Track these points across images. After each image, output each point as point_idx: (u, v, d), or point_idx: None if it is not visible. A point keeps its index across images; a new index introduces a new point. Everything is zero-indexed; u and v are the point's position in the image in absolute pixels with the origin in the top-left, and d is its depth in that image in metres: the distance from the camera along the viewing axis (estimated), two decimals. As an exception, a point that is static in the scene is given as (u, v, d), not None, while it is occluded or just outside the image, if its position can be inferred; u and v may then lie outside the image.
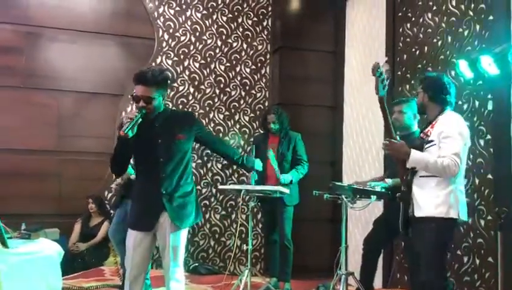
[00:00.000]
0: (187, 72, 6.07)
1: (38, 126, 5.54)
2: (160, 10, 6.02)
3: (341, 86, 6.04)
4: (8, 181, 5.33)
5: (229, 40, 6.23)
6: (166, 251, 2.95)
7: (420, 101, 3.12)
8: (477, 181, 3.84)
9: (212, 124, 6.09)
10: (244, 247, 4.16)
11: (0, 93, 5.44)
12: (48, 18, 5.63)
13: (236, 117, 6.18)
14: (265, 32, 6.36)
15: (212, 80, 6.14)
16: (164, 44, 6.01)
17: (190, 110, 5.98)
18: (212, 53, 6.16)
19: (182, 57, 6.06)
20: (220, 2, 6.21)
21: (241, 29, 6.28)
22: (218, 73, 6.16)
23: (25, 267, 3.10)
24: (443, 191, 2.82)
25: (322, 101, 6.15)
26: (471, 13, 4.11)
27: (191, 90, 6.06)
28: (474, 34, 4.06)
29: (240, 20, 6.28)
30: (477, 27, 4.03)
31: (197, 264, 5.73)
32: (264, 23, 6.37)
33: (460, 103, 3.97)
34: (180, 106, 5.99)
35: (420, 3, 4.77)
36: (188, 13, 6.12)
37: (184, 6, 6.10)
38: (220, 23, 6.21)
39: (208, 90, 6.11)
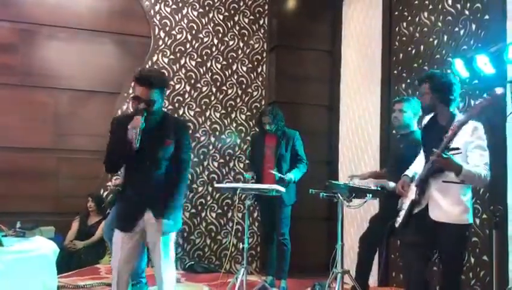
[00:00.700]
0: (183, 70, 6.06)
1: (35, 124, 5.52)
2: (157, 8, 6.01)
3: (337, 85, 6.05)
4: (5, 179, 5.31)
5: (226, 39, 6.22)
6: (157, 247, 2.98)
7: (427, 102, 3.04)
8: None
9: (209, 123, 6.08)
10: (240, 245, 4.16)
11: (-4, 91, 5.43)
12: (44, 16, 5.62)
13: (233, 115, 6.18)
14: (262, 31, 6.36)
15: (208, 78, 6.13)
16: (160, 42, 6.00)
17: (186, 108, 5.98)
18: (209, 51, 6.15)
19: (178, 55, 6.05)
20: (216, 0, 6.20)
21: (237, 28, 6.27)
22: (214, 71, 6.16)
23: (20, 266, 3.09)
24: (465, 197, 2.89)
25: (318, 100, 6.16)
26: (467, 12, 4.13)
27: (187, 88, 6.05)
28: (470, 33, 4.07)
29: (236, 18, 6.27)
30: (473, 26, 4.04)
31: (193, 262, 5.73)
32: (261, 22, 6.37)
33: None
34: (176, 104, 5.98)
35: (416, 2, 4.78)
36: (185, 11, 6.11)
37: (180, 4, 6.09)
38: (216, 22, 6.20)
39: (204, 89, 6.10)
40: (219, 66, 6.18)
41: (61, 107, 5.65)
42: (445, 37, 4.35)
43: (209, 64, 6.14)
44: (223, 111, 6.15)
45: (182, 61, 6.07)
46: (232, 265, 5.85)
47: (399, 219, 3.06)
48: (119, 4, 5.89)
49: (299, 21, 6.16)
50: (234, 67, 6.23)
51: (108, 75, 5.80)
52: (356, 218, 5.34)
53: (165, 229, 2.95)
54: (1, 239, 3.07)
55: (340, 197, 3.67)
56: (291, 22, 6.18)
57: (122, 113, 5.52)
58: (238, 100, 6.22)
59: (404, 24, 4.94)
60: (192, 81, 6.06)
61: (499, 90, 2.76)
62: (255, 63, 6.30)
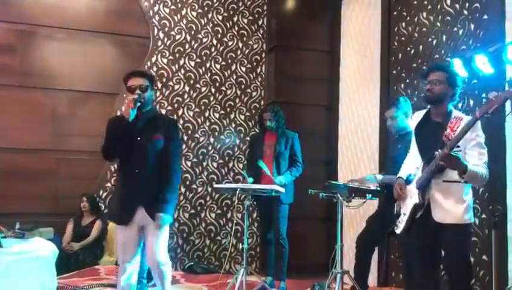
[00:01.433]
0: (182, 71, 6.06)
1: (33, 125, 5.51)
2: (156, 9, 6.01)
3: (336, 85, 6.05)
4: (3, 180, 5.30)
5: (225, 39, 6.22)
6: (153, 239, 3.15)
7: (438, 92, 2.91)
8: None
9: (208, 123, 6.08)
10: (240, 246, 4.15)
11: (-5, 92, 5.42)
12: (42, 16, 5.61)
13: (232, 116, 6.18)
14: (261, 31, 6.36)
15: (207, 79, 6.13)
16: (159, 43, 6.00)
17: (185, 109, 5.98)
18: (208, 52, 6.15)
19: (177, 55, 6.05)
20: (215, 1, 6.20)
21: (236, 28, 6.27)
22: (213, 72, 6.16)
23: (19, 267, 3.09)
24: (468, 196, 2.84)
25: (317, 100, 6.16)
26: (465, 12, 4.13)
27: (186, 88, 6.05)
28: (468, 33, 4.08)
29: (235, 19, 6.27)
30: (472, 26, 4.04)
31: (192, 263, 5.73)
32: (260, 22, 6.37)
33: (454, 101, 3.99)
34: (176, 105, 5.98)
35: (415, 2, 4.78)
36: (183, 12, 6.10)
37: (179, 5, 6.09)
38: (215, 22, 6.20)
39: (203, 89, 6.10)
40: (218, 66, 6.18)
41: (59, 108, 5.65)
42: (444, 37, 4.36)
43: (208, 65, 6.14)
44: (222, 111, 6.15)
45: (181, 62, 6.07)
46: (231, 266, 5.85)
47: (400, 225, 2.99)
48: (118, 5, 5.89)
49: (298, 21, 6.17)
50: (233, 68, 6.23)
51: (107, 76, 5.79)
52: (355, 218, 5.34)
53: (160, 223, 3.11)
54: (0, 240, 3.06)
55: (340, 198, 3.67)
56: (290, 22, 6.18)
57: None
58: (237, 100, 6.21)
59: (403, 24, 4.95)
60: (191, 82, 6.05)
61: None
62: (254, 63, 6.30)
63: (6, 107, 5.43)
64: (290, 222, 4.68)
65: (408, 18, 4.88)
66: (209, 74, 6.14)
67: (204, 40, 6.15)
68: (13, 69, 5.50)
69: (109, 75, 5.80)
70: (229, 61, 6.22)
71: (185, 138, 5.95)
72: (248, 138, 5.93)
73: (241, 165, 6.06)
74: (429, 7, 4.58)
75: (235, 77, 6.22)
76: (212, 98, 6.13)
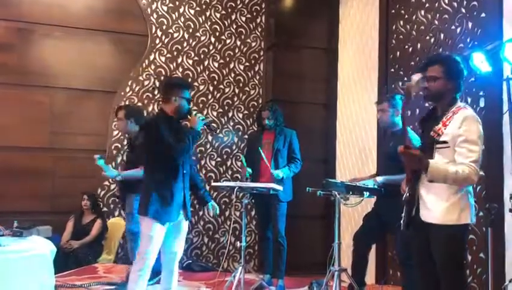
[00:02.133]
0: (180, 69, 6.05)
1: (31, 123, 5.51)
2: (154, 7, 6.00)
3: (334, 83, 6.05)
4: (1, 178, 5.30)
5: (223, 37, 6.22)
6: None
7: (439, 88, 2.69)
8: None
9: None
10: (238, 244, 4.15)
11: (-7, 90, 5.41)
12: (40, 14, 5.60)
13: (230, 114, 6.18)
14: (259, 29, 6.35)
15: (205, 77, 6.13)
16: (157, 41, 5.99)
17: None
18: (206, 50, 6.15)
19: (175, 53, 6.05)
20: (213, -1, 6.20)
21: (234, 26, 6.27)
22: (211, 70, 6.16)
23: (17, 265, 3.09)
24: (455, 196, 2.57)
25: (315, 99, 6.16)
26: (463, 10, 4.13)
27: (185, 87, 6.04)
28: (466, 31, 4.08)
29: (233, 17, 6.27)
30: (470, 24, 4.05)
31: (190, 261, 5.74)
32: (258, 20, 6.36)
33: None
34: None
35: (413, 0, 4.78)
36: (181, 10, 6.10)
37: (177, 3, 6.08)
38: (213, 20, 6.20)
39: (201, 87, 6.10)
40: (216, 64, 6.17)
41: (57, 106, 5.64)
42: (442, 35, 4.36)
43: (206, 63, 6.14)
44: (220, 110, 6.15)
45: (179, 60, 6.06)
46: (229, 264, 5.86)
47: (402, 222, 2.82)
48: (116, 3, 5.89)
49: (296, 19, 6.16)
50: (231, 66, 6.23)
51: (105, 74, 5.79)
52: (354, 216, 5.35)
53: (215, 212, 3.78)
54: (-2, 239, 3.06)
55: (337, 196, 3.68)
56: (288, 20, 6.18)
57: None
58: (236, 99, 6.21)
59: (401, 22, 4.95)
60: (190, 80, 6.04)
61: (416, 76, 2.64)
62: (252, 61, 6.30)
63: (5, 106, 5.43)
64: (288, 220, 4.69)
65: (406, 16, 4.89)
66: (207, 72, 6.14)
67: (202, 38, 6.14)
68: (11, 67, 5.50)
69: (107, 73, 5.80)
70: (227, 59, 6.21)
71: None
72: (246, 136, 5.94)
73: (239, 164, 6.06)
74: (427, 5, 4.58)
75: (233, 75, 6.22)
76: (210, 96, 6.12)
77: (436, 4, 4.44)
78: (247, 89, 6.26)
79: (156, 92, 5.87)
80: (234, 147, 6.14)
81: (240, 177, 4.69)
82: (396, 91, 4.85)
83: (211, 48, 6.16)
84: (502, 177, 3.57)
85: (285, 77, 6.08)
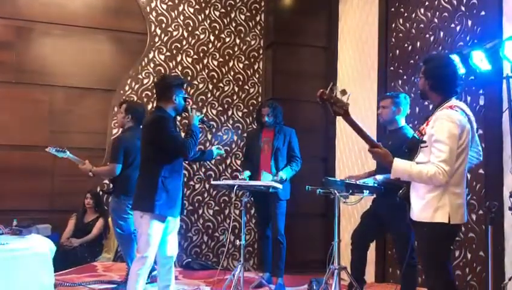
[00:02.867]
0: (180, 67, 6.05)
1: (30, 122, 5.50)
2: (153, 5, 5.99)
3: (334, 81, 6.04)
4: (0, 177, 5.29)
5: (222, 35, 6.21)
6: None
7: (421, 88, 2.80)
8: (468, 176, 3.84)
9: (205, 120, 6.06)
10: (238, 242, 4.15)
11: (-9, 88, 5.41)
12: (39, 13, 5.59)
13: (230, 112, 6.17)
14: (258, 28, 6.35)
15: (205, 75, 6.12)
16: (157, 39, 5.98)
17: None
18: (205, 48, 6.14)
19: (174, 52, 6.04)
20: (212, -3, 6.19)
21: (234, 24, 6.26)
22: (211, 68, 6.15)
23: (17, 263, 3.09)
24: (430, 194, 2.60)
25: (314, 97, 6.07)
26: (463, 8, 4.13)
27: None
28: (466, 30, 4.08)
29: (232, 15, 6.26)
30: (469, 22, 4.05)
31: (190, 259, 5.73)
32: (257, 18, 6.36)
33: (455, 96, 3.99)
34: (173, 102, 5.96)
35: (413, -2, 4.78)
36: (181, 8, 6.09)
37: (176, 1, 6.07)
38: (212, 18, 6.19)
39: (200, 86, 6.09)
40: (215, 63, 6.17)
41: (56, 105, 5.63)
42: (442, 33, 4.36)
43: (205, 61, 6.13)
44: (220, 108, 6.14)
45: (178, 58, 6.05)
46: (229, 262, 5.86)
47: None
48: (115, 1, 5.88)
49: (296, 18, 6.15)
50: (231, 64, 6.22)
51: (104, 72, 5.78)
52: (353, 214, 5.35)
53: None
54: (-3, 237, 3.06)
55: (337, 194, 3.67)
56: (287, 18, 6.17)
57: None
58: (235, 97, 6.21)
59: (401, 20, 4.94)
60: (189, 78, 6.04)
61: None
62: (252, 59, 6.29)
63: (3, 104, 5.42)
64: (287, 219, 4.69)
65: (405, 14, 4.88)
66: (206, 71, 6.13)
67: (202, 36, 6.14)
68: (10, 65, 5.49)
69: (106, 72, 5.80)
70: (227, 57, 6.20)
71: (183, 134, 5.94)
72: (246, 135, 5.93)
73: (238, 162, 6.06)
74: (426, 3, 4.58)
75: (232, 74, 6.22)
76: (209, 95, 6.12)
77: (436, 2, 4.44)
78: (246, 87, 6.26)
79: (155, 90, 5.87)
80: (234, 146, 6.14)
81: (239, 175, 4.68)
82: (396, 89, 4.85)
83: (210, 46, 6.16)
84: (502, 175, 3.57)
85: (284, 75, 6.07)
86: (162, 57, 5.99)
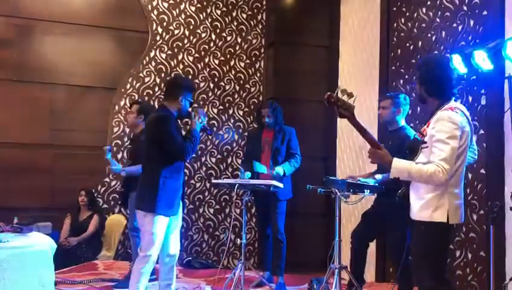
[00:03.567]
0: (181, 66, 6.04)
1: (31, 120, 5.50)
2: (154, 3, 5.98)
3: (335, 81, 6.04)
4: (1, 175, 5.29)
5: (223, 34, 6.20)
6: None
7: (418, 93, 2.84)
8: (470, 176, 3.86)
9: (206, 118, 6.05)
10: (238, 241, 4.15)
11: (-8, 86, 5.40)
12: (40, 10, 5.59)
13: (231, 111, 6.17)
14: (260, 26, 6.34)
15: (206, 74, 6.12)
16: (158, 37, 5.98)
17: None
18: (206, 47, 6.13)
19: (175, 50, 6.03)
20: (214, -4, 6.19)
21: (235, 23, 6.25)
22: (212, 67, 6.14)
23: (17, 261, 3.08)
24: (429, 194, 2.62)
25: (316, 96, 6.13)
26: (465, 8, 4.12)
27: (185, 84, 6.03)
28: (468, 29, 4.07)
29: (234, 13, 6.26)
30: (471, 22, 4.04)
31: (190, 258, 5.73)
32: (259, 17, 6.35)
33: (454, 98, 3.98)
34: (174, 100, 5.96)
35: (414, -3, 4.77)
36: (182, 6, 6.08)
37: (178, 0, 6.07)
38: (214, 17, 6.18)
39: (202, 84, 6.09)
40: (217, 61, 6.16)
41: (57, 103, 5.63)
42: (443, 33, 4.35)
43: (206, 60, 6.13)
44: (221, 107, 6.14)
45: (180, 57, 6.05)
46: (229, 261, 5.86)
47: None
48: (117, -1, 5.87)
49: (297, 16, 6.15)
50: (232, 63, 6.22)
51: (105, 71, 5.78)
52: (354, 214, 5.35)
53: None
54: (-2, 235, 3.06)
55: (338, 193, 3.67)
56: (289, 17, 6.16)
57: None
58: (236, 96, 6.21)
59: (402, 20, 4.94)
60: (190, 77, 6.03)
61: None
62: (253, 58, 6.29)
63: (4, 102, 5.42)
64: (288, 218, 4.68)
65: (407, 14, 4.87)
66: (207, 69, 6.12)
67: (203, 35, 6.13)
68: (11, 63, 5.49)
69: (107, 70, 5.79)
70: (228, 56, 6.20)
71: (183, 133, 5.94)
72: (246, 134, 5.93)
73: (239, 161, 6.05)
74: (428, 3, 4.57)
75: (233, 72, 6.21)
76: (210, 94, 6.11)
77: (438, 2, 4.43)
78: (247, 86, 6.25)
79: (156, 89, 5.88)
80: (234, 145, 6.13)
81: (239, 175, 4.68)
82: (397, 89, 4.84)
83: (211, 45, 6.15)
84: (503, 175, 3.57)
85: (285, 75, 6.07)
86: (164, 55, 5.99)
